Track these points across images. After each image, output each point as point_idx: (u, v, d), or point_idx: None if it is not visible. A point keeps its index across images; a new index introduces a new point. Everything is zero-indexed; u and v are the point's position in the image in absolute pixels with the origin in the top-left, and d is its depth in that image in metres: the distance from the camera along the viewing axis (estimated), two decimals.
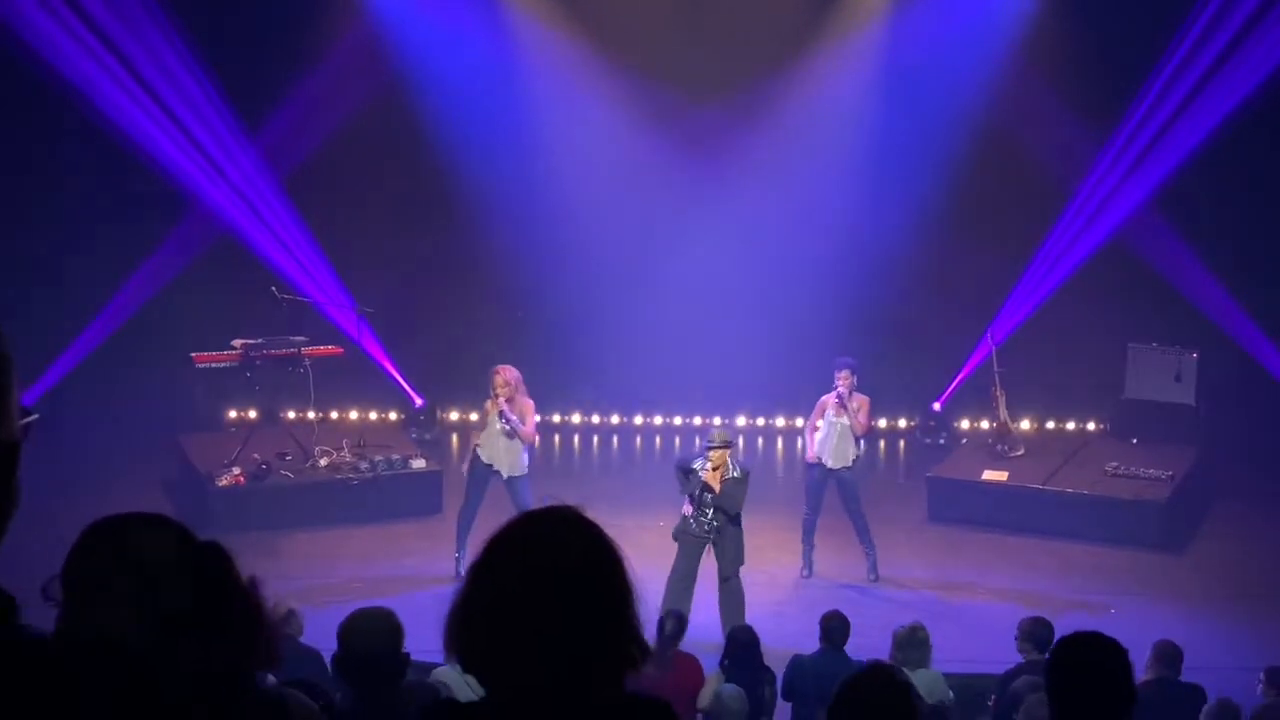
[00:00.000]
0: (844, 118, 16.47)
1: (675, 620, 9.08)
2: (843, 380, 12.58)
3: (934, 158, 15.91)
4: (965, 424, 16.95)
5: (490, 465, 12.30)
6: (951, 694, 8.61)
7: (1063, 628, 9.13)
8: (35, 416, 1.82)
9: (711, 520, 11.15)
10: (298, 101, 15.99)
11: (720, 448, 11.12)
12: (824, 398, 12.74)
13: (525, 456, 12.37)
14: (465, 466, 12.55)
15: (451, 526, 13.63)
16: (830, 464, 12.62)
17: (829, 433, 12.63)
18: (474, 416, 13.02)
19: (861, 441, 12.71)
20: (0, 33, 14.23)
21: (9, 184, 15.55)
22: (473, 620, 2.25)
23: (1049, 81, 15.80)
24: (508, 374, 12.24)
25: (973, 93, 15.88)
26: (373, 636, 4.79)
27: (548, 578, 2.22)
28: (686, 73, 16.14)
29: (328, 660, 8.71)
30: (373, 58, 16.22)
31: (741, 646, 8.91)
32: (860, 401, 12.59)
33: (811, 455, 12.75)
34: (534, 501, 12.34)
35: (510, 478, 12.29)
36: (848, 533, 12.93)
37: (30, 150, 15.50)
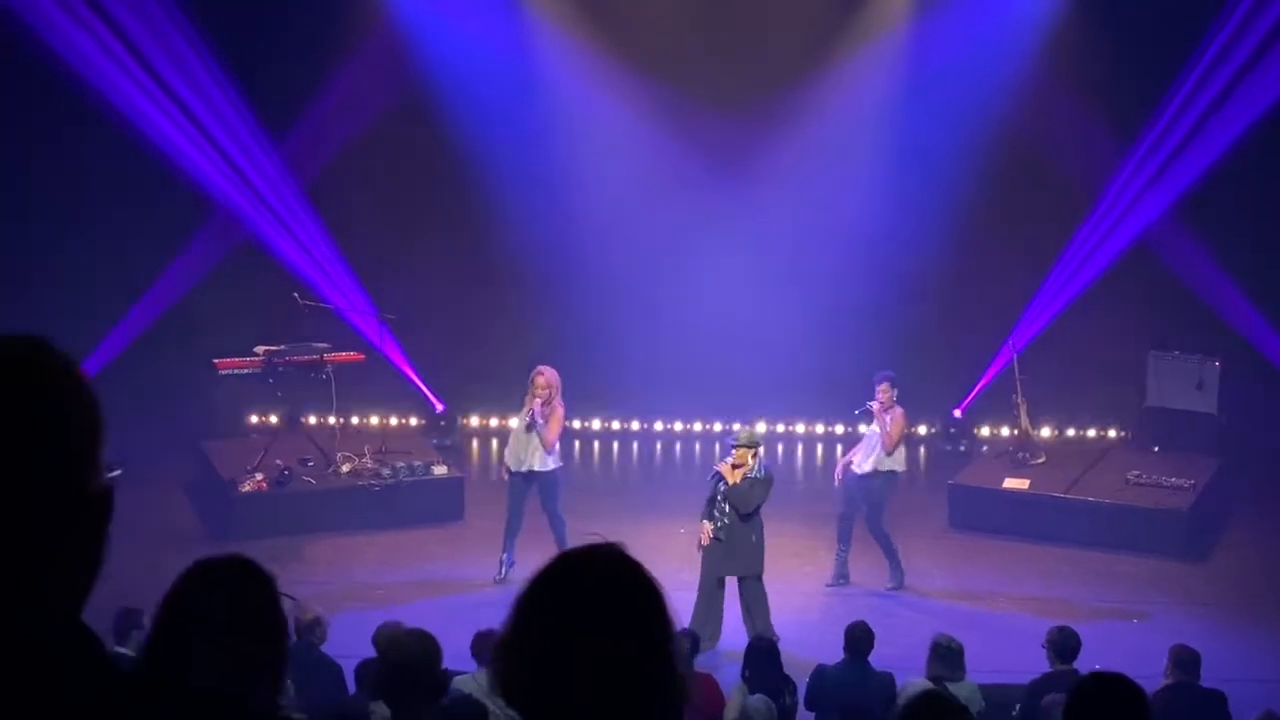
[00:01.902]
0: (867, 125, 16.46)
1: (689, 640, 9.06)
2: (882, 393, 12.58)
3: (956, 164, 15.89)
4: (986, 431, 16.93)
5: (517, 470, 12.35)
6: (984, 704, 8.62)
7: (1085, 637, 9.16)
8: (119, 471, 1.84)
9: (725, 518, 11.13)
10: (321, 107, 16.04)
11: (745, 446, 11.14)
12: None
13: (550, 456, 12.40)
14: (505, 471, 12.58)
15: (473, 533, 13.71)
16: (856, 469, 12.64)
17: (867, 439, 12.68)
18: (513, 422, 13.06)
19: (897, 453, 12.63)
20: (24, 36, 14.31)
21: (31, 189, 15.64)
22: (515, 662, 2.26)
23: (1073, 88, 15.78)
24: (549, 375, 12.38)
25: (996, 99, 15.87)
26: (413, 658, 4.84)
27: (589, 624, 2.23)
28: (710, 80, 16.16)
29: (348, 671, 8.78)
30: (395, 64, 16.27)
31: (761, 656, 8.90)
32: (894, 415, 12.58)
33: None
34: (561, 505, 12.40)
35: (537, 473, 12.33)
36: (869, 541, 12.91)
37: (53, 156, 15.57)
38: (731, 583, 11.35)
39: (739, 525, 11.13)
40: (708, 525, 11.23)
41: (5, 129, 15.43)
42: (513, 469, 12.42)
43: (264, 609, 2.83)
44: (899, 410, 12.61)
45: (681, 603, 11.23)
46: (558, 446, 12.55)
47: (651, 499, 14.81)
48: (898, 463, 12.73)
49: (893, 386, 12.61)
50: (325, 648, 9.35)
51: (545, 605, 2.27)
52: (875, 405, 12.60)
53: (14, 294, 15.35)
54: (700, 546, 11.30)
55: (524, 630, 2.27)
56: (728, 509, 11.15)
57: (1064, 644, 8.86)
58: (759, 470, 11.20)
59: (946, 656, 8.57)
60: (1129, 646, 11.25)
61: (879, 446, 12.53)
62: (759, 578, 11.24)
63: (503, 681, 2.29)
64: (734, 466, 11.19)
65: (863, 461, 12.61)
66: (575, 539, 12.47)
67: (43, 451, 1.71)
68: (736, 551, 11.15)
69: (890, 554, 12.75)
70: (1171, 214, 15.71)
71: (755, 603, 11.17)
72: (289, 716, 2.89)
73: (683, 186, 16.52)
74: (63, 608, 1.73)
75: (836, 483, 12.78)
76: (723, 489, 11.16)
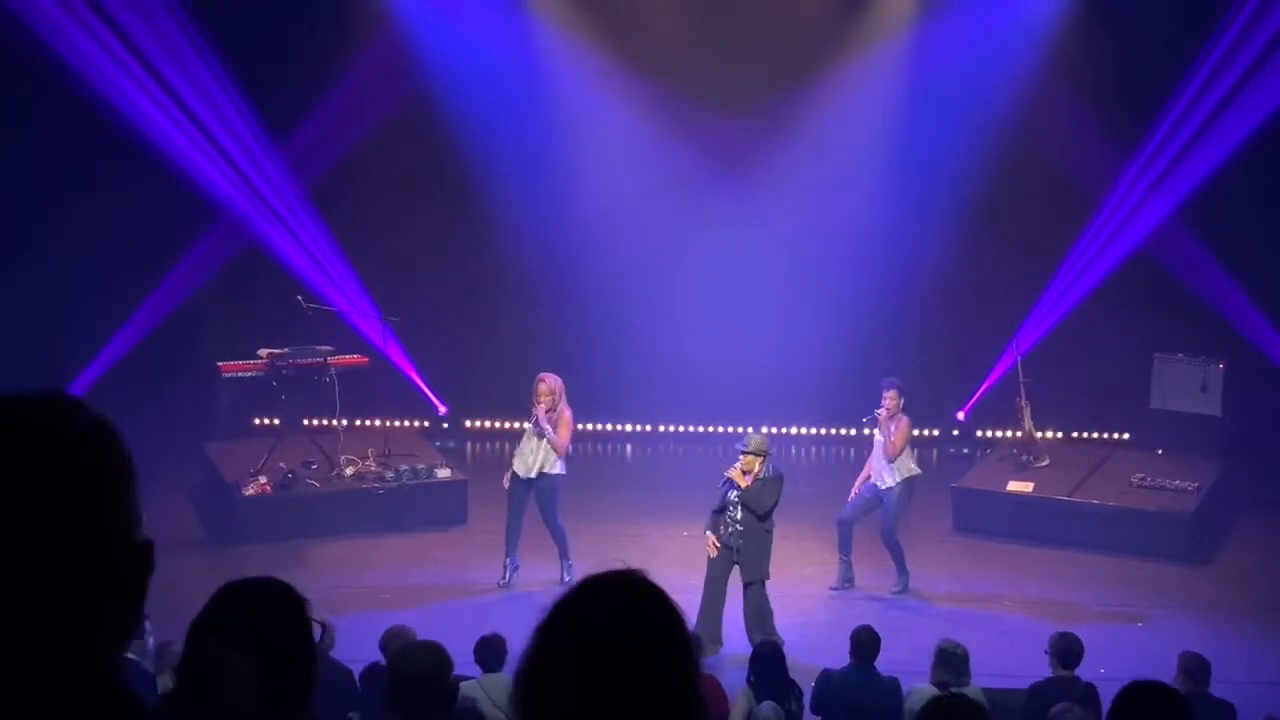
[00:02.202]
0: (870, 128, 16.44)
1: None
2: (889, 400, 12.56)
3: (960, 167, 15.87)
4: (991, 434, 16.90)
5: (526, 476, 12.35)
6: (989, 709, 8.58)
7: (1089, 641, 9.15)
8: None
9: (737, 524, 11.11)
10: (324, 110, 16.02)
11: (753, 454, 11.13)
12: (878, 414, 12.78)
13: (558, 461, 12.40)
14: (506, 477, 12.57)
15: (477, 536, 13.69)
16: (877, 483, 12.63)
17: (875, 451, 12.67)
18: (523, 425, 13.02)
19: (908, 458, 12.62)
20: (24, 37, 14.31)
21: (32, 192, 15.63)
22: (537, 692, 2.24)
23: (1077, 91, 15.75)
24: (551, 382, 12.40)
25: (1000, 102, 15.84)
26: (424, 669, 4.83)
27: (609, 649, 2.20)
28: (714, 82, 16.13)
29: (356, 676, 8.77)
30: (400, 66, 16.25)
31: (766, 661, 8.89)
32: (899, 424, 12.55)
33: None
34: (561, 514, 12.37)
35: (543, 476, 12.33)
36: (876, 544, 12.88)
37: (55, 158, 15.56)
38: (734, 588, 11.31)
39: (754, 527, 11.12)
40: (712, 536, 11.21)
41: (6, 131, 15.43)
42: (521, 475, 12.40)
43: (296, 634, 2.80)
44: (905, 420, 12.59)
45: (685, 606, 11.19)
46: (568, 449, 12.54)
47: (654, 501, 14.79)
48: (912, 469, 12.71)
49: (900, 394, 12.58)
50: (334, 657, 9.34)
51: (567, 634, 2.24)
52: (882, 413, 12.59)
53: (17, 297, 15.37)
54: (710, 560, 11.27)
55: (545, 660, 2.24)
56: (740, 515, 11.14)
57: (1066, 650, 8.84)
58: (768, 471, 11.19)
59: (951, 662, 8.55)
60: (1133, 650, 11.23)
61: (882, 457, 12.53)
62: (763, 584, 11.22)
63: (523, 707, 2.26)
64: (743, 473, 11.17)
65: (880, 475, 12.58)
66: (578, 542, 12.49)
67: (71, 510, 1.68)
68: (746, 556, 11.13)
69: (898, 559, 12.73)
70: (1176, 217, 15.68)
71: (759, 608, 11.14)
72: None
73: (687, 188, 16.49)
74: (98, 665, 1.70)
75: (852, 497, 12.77)
76: (734, 495, 11.15)
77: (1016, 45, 15.98)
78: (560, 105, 16.62)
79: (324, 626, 8.34)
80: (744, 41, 16.35)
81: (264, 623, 2.76)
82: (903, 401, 12.61)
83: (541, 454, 12.35)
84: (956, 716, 4.14)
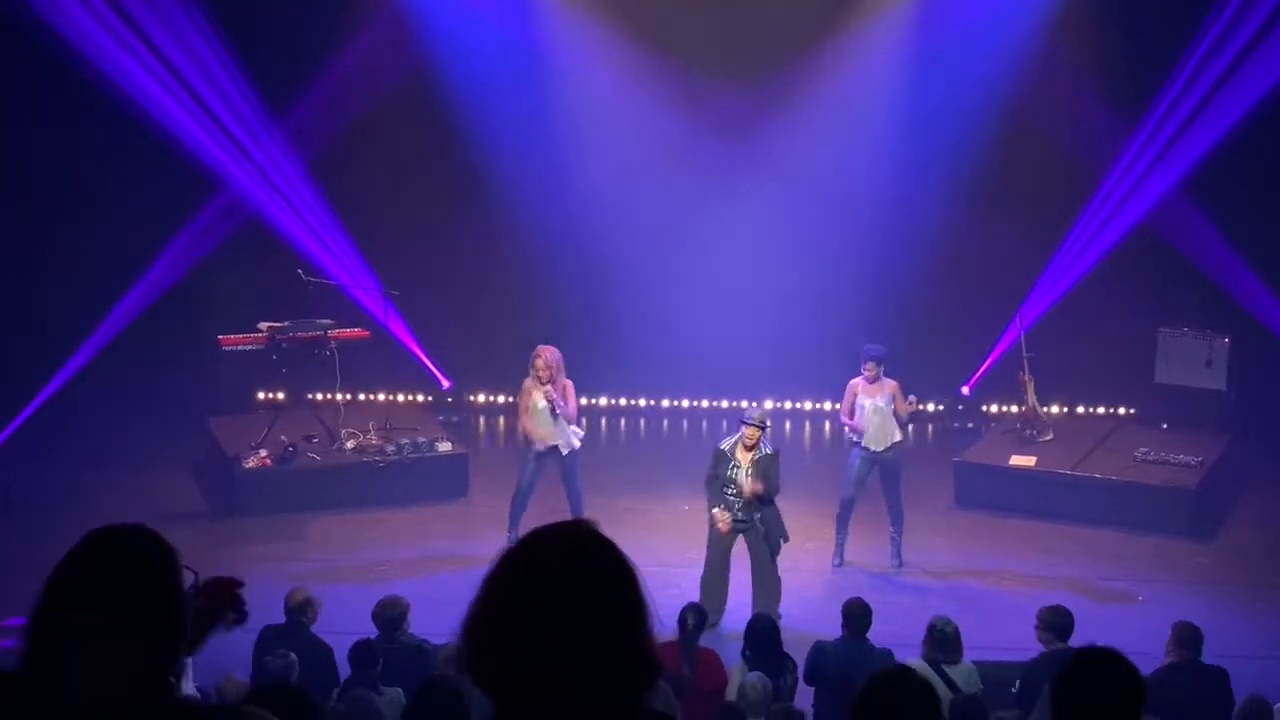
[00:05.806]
0: (872, 101, 16.36)
1: (696, 614, 9.03)
2: (868, 371, 12.45)
3: (963, 141, 15.78)
4: (994, 408, 16.85)
5: (547, 445, 12.27)
6: (982, 685, 8.57)
7: (1090, 616, 9.15)
8: None
9: (745, 504, 11.08)
10: (325, 83, 15.96)
11: (757, 426, 11.09)
12: (852, 381, 12.64)
13: (574, 434, 12.35)
14: (533, 444, 12.41)
15: (477, 510, 13.67)
16: (873, 447, 12.54)
17: (869, 415, 12.50)
18: (514, 399, 12.92)
19: (908, 426, 12.58)
20: (26, 15, 14.27)
21: (36, 167, 15.60)
22: (478, 638, 2.20)
23: (1079, 64, 15.67)
24: (549, 355, 12.20)
25: (1002, 76, 15.75)
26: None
27: (551, 597, 2.16)
28: (715, 54, 16.05)
29: (341, 652, 8.74)
30: (401, 39, 16.18)
31: (762, 634, 8.88)
32: (892, 387, 12.48)
33: (855, 428, 12.62)
34: (580, 475, 12.37)
35: (567, 454, 12.29)
36: (873, 518, 12.85)
37: (55, 133, 15.52)
38: (738, 564, 11.30)
39: (764, 508, 11.13)
40: (721, 515, 11.13)
41: (5, 107, 15.39)
42: (557, 445, 12.29)
43: (164, 583, 2.69)
44: (892, 382, 12.46)
45: (689, 579, 11.20)
46: (578, 418, 12.50)
47: (655, 475, 14.77)
48: (899, 435, 12.68)
49: (879, 365, 12.41)
50: (327, 625, 9.35)
51: (506, 581, 2.21)
52: (865, 379, 12.47)
53: (17, 272, 15.36)
54: (713, 533, 11.24)
55: (485, 607, 2.21)
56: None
57: (1056, 622, 8.81)
58: (766, 447, 11.15)
59: (941, 641, 8.53)
60: (1135, 625, 11.20)
61: (880, 420, 12.41)
62: (773, 559, 11.21)
63: (468, 659, 2.23)
64: (746, 448, 11.12)
65: (875, 440, 12.50)
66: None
67: None
68: (767, 524, 11.15)
69: (899, 526, 12.68)
70: (1180, 189, 15.60)
71: (772, 585, 11.13)
72: (185, 705, 2.79)
73: (688, 160, 16.41)
74: None
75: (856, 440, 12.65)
76: (745, 475, 11.08)
77: (1019, 16, 15.88)
78: (560, 78, 16.55)
79: (293, 590, 8.41)
80: (745, 12, 16.26)
81: (129, 573, 2.64)
82: (882, 370, 12.48)
83: (559, 429, 12.22)
84: (899, 694, 4.04)
